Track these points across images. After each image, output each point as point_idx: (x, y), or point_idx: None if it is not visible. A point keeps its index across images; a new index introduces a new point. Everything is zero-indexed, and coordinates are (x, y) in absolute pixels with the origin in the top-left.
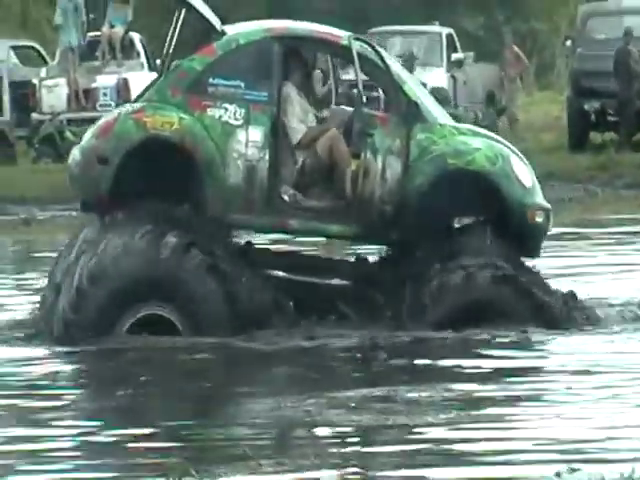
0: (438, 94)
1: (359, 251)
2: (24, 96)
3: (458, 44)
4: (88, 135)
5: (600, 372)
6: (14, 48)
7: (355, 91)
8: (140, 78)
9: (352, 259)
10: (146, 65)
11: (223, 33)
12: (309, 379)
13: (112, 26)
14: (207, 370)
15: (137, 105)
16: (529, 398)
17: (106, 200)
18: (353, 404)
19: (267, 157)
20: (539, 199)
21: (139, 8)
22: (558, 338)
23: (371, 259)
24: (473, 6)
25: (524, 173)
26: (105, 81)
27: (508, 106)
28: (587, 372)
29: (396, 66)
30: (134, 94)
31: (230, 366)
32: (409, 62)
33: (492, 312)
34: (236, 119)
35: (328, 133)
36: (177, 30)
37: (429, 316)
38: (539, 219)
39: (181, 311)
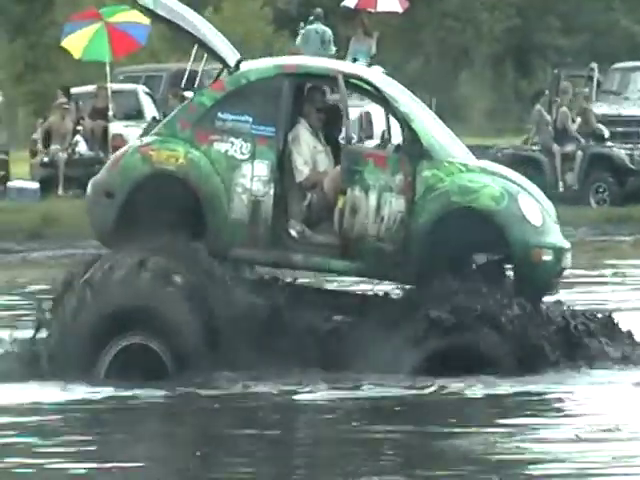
0: None
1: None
2: None
3: None
4: (103, 168)
5: None
6: None
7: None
8: (381, 111)
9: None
10: None
11: (237, 68)
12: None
13: (354, 59)
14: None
15: (147, 139)
16: None
17: (112, 234)
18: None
19: (272, 192)
20: (550, 238)
21: (382, 41)
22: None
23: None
24: None
25: (534, 212)
26: None
27: None
28: None
29: (406, 102)
30: (377, 127)
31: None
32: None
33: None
34: (242, 153)
35: (335, 170)
36: (202, 63)
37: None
38: (546, 258)
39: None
